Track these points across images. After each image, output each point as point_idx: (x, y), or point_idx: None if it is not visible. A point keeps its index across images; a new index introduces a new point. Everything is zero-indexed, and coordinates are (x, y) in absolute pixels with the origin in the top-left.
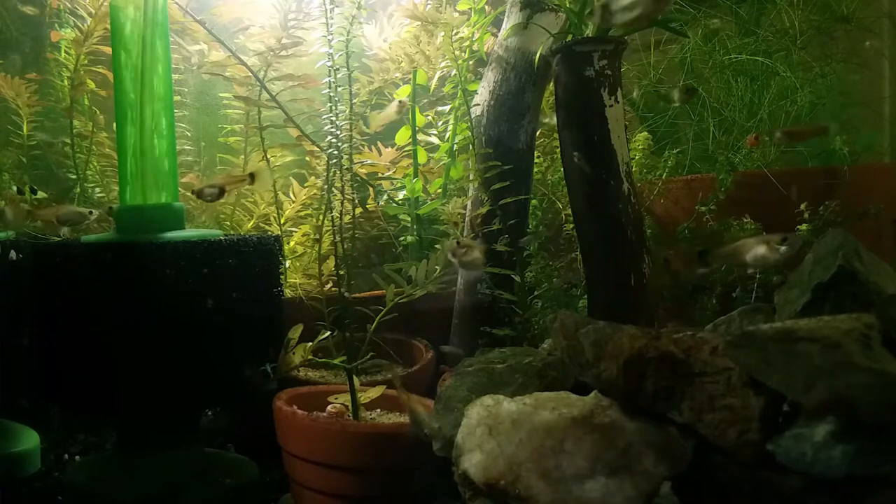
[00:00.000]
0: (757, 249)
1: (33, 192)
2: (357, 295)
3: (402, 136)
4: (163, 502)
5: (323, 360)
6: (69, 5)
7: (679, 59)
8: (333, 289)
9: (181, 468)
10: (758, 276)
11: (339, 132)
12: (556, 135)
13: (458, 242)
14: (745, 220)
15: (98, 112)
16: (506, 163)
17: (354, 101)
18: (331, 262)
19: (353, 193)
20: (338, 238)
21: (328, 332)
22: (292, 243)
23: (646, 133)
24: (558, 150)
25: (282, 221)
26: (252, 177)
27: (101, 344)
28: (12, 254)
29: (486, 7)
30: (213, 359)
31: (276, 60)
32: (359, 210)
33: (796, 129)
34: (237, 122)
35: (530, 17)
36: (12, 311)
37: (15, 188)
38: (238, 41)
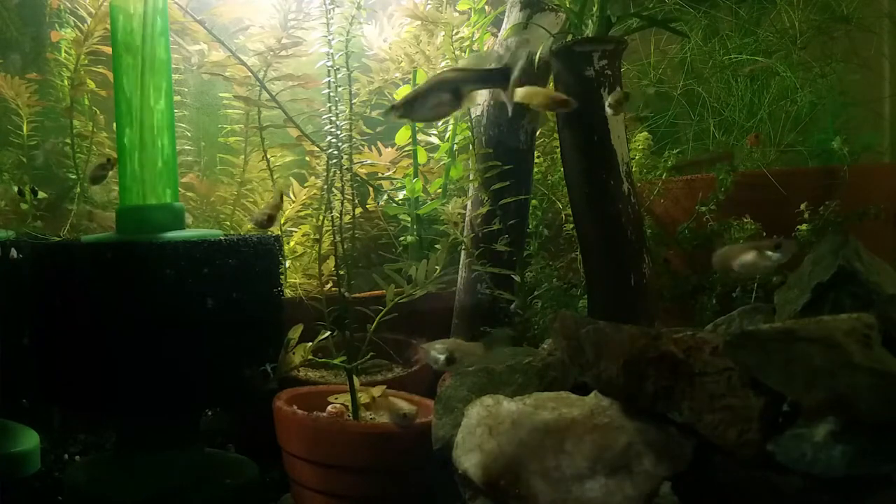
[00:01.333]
0: None
1: (34, 192)
2: (357, 295)
3: (402, 136)
4: (163, 502)
5: (323, 360)
6: (69, 5)
7: (679, 59)
8: (333, 289)
9: (181, 468)
10: (758, 276)
11: (339, 132)
12: (556, 135)
13: None
14: (745, 221)
15: (98, 112)
16: (506, 163)
17: (354, 101)
18: (331, 262)
19: (353, 193)
20: (338, 238)
21: (328, 332)
22: (292, 243)
23: (646, 133)
24: (558, 150)
25: (282, 221)
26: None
27: (102, 344)
28: (13, 252)
29: (486, 7)
30: (213, 359)
31: (276, 60)
32: (359, 210)
33: (698, 160)
34: (237, 122)
35: (530, 17)
36: (12, 310)
37: (16, 188)
38: (238, 41)
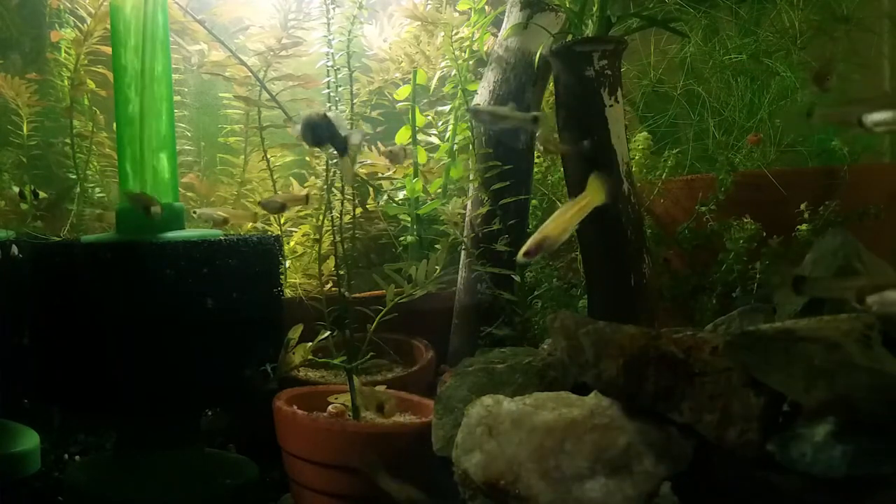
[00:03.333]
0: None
1: (34, 194)
2: (357, 295)
3: (402, 136)
4: (163, 502)
5: (323, 360)
6: (69, 5)
7: (679, 59)
8: (333, 289)
9: (181, 468)
10: (758, 276)
11: None
12: (555, 135)
13: None
14: (746, 220)
15: (98, 112)
16: (506, 163)
17: (354, 101)
18: (331, 262)
19: (353, 193)
20: (338, 238)
21: (328, 332)
22: (292, 243)
23: (646, 133)
24: None
25: (282, 221)
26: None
27: (102, 344)
28: (13, 249)
29: (486, 7)
30: (214, 359)
31: (276, 60)
32: (359, 210)
33: None
34: (237, 122)
35: (530, 17)
36: (12, 310)
37: (17, 189)
38: (238, 41)
